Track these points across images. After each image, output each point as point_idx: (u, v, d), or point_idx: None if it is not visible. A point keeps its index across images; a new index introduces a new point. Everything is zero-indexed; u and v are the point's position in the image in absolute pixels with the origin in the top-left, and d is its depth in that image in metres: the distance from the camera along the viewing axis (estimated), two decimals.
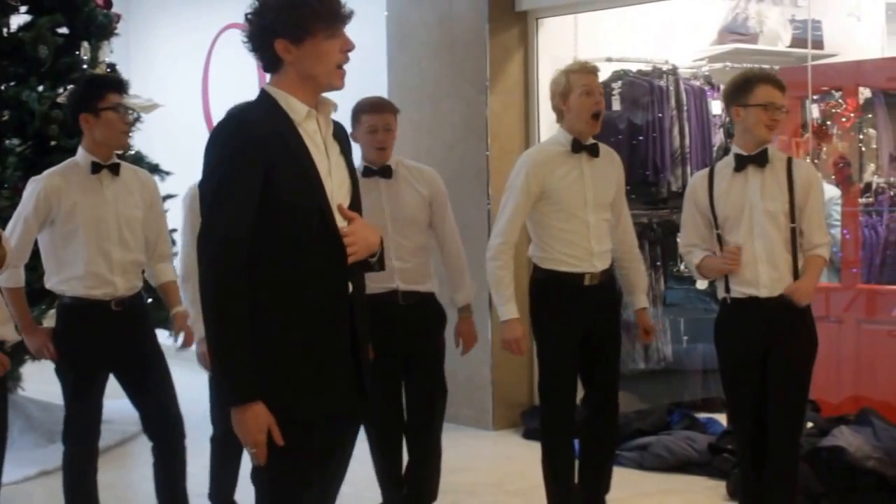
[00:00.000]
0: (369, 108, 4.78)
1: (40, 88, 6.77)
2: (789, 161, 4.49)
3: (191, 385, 5.62)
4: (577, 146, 4.82)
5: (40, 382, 6.80)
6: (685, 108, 7.40)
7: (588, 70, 4.86)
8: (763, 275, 4.42)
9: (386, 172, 4.81)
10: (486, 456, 6.76)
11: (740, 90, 4.46)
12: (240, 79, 9.16)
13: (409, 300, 4.80)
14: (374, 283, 4.51)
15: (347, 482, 3.48)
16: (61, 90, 6.77)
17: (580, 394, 4.99)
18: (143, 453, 4.82)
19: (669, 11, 7.46)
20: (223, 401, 2.97)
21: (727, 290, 4.52)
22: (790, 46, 8.02)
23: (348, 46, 3.03)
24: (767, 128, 4.41)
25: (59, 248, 4.59)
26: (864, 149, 7.30)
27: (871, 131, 7.32)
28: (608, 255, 4.91)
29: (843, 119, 7.20)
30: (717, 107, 7.44)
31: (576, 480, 5.00)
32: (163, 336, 4.96)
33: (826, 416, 6.11)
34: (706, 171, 4.64)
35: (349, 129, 3.72)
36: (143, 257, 4.75)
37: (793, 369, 4.45)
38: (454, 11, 7.32)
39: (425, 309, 4.89)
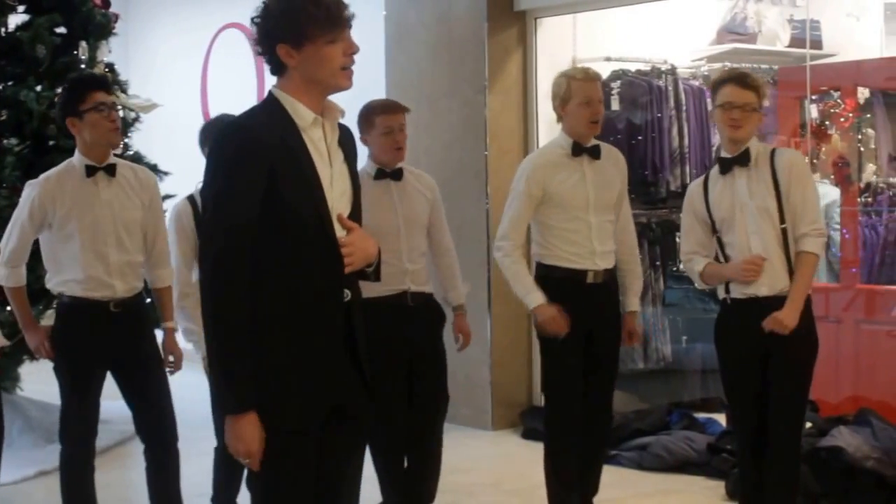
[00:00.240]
0: (383, 110, 4.80)
1: (38, 88, 6.76)
2: (773, 154, 4.48)
3: (190, 385, 5.60)
4: (578, 149, 4.85)
5: (39, 382, 6.79)
6: (684, 107, 7.40)
7: (589, 78, 4.87)
8: (763, 275, 4.41)
9: (397, 175, 4.83)
10: (485, 456, 6.76)
11: (712, 93, 4.52)
12: (238, 78, 9.18)
13: (416, 301, 4.83)
14: (385, 286, 4.52)
15: None
16: (59, 90, 6.75)
17: None
18: (141, 453, 4.80)
19: (668, 11, 7.46)
20: (220, 408, 2.94)
21: (727, 290, 4.52)
22: (789, 46, 8.02)
23: (352, 49, 3.00)
24: (730, 127, 4.41)
25: (57, 251, 4.59)
26: (862, 149, 7.30)
27: (870, 131, 7.32)
28: (612, 254, 4.93)
29: (842, 119, 7.20)
30: None
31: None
32: (162, 336, 4.94)
33: (825, 416, 6.10)
34: (701, 179, 4.66)
35: (356, 133, 3.70)
36: (142, 258, 4.73)
37: (793, 370, 4.44)
38: (453, 11, 7.32)
39: (430, 309, 4.93)
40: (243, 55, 9.02)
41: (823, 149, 7.23)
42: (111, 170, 4.61)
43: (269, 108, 3.03)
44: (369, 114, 4.79)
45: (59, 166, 4.64)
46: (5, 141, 6.63)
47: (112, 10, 7.35)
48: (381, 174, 4.80)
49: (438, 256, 5.03)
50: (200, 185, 3.55)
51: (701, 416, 6.79)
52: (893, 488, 5.36)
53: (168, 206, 5.16)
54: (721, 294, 4.58)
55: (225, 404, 2.94)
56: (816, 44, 7.73)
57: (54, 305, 4.75)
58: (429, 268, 5.00)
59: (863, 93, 7.25)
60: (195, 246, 4.60)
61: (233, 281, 2.89)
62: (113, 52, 7.39)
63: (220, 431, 4.99)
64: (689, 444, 6.25)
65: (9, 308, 4.91)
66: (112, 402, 5.01)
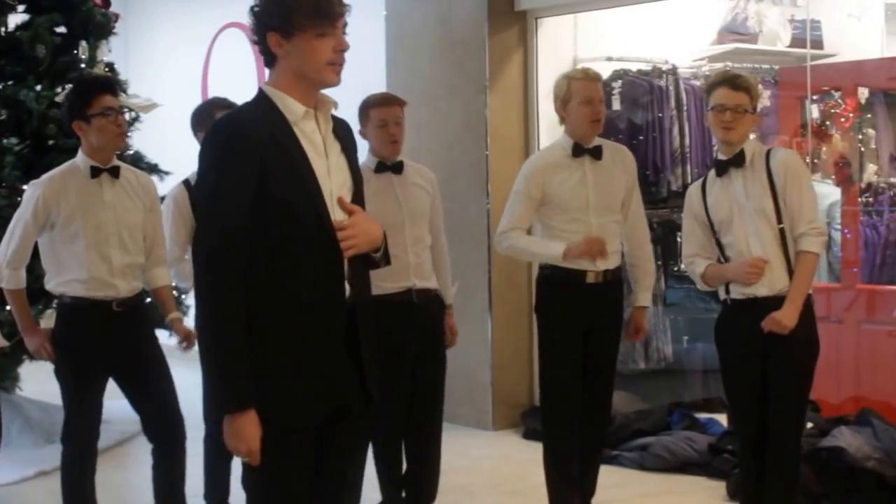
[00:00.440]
0: (377, 103, 4.81)
1: (38, 88, 6.76)
2: (768, 154, 4.47)
3: (192, 385, 5.59)
4: (579, 150, 4.86)
5: (39, 382, 6.79)
6: (685, 107, 7.40)
7: (589, 78, 4.88)
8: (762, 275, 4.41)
9: (398, 168, 4.84)
10: (486, 456, 6.75)
11: (708, 90, 4.52)
12: (239, 78, 9.16)
13: (421, 298, 4.83)
14: (391, 283, 4.53)
15: None
16: (59, 90, 6.76)
17: None
18: (141, 454, 4.80)
19: (669, 11, 7.45)
20: (215, 407, 2.92)
21: (727, 291, 4.52)
22: (790, 46, 8.01)
23: (341, 46, 2.99)
24: (722, 129, 4.41)
25: (59, 252, 4.58)
26: (863, 149, 7.29)
27: (871, 131, 7.31)
28: (615, 256, 4.93)
29: (843, 119, 7.19)
30: None
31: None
32: (164, 336, 4.94)
33: (826, 416, 6.10)
34: (700, 181, 4.66)
35: (356, 128, 3.70)
36: (143, 259, 4.73)
37: (793, 370, 4.44)
38: (454, 11, 7.31)
39: (434, 307, 4.92)
40: (244, 54, 9.00)
41: (824, 149, 7.22)
42: (115, 172, 4.62)
43: (259, 105, 3.03)
44: (365, 107, 4.82)
45: (62, 166, 4.64)
46: (5, 140, 6.62)
47: (112, 9, 7.35)
48: (381, 167, 4.81)
49: (433, 254, 5.02)
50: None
51: (702, 416, 6.79)
52: (894, 489, 5.36)
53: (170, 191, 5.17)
54: (721, 295, 4.57)
55: (223, 403, 2.92)
56: (817, 44, 7.73)
57: (54, 305, 4.75)
58: None
59: (863, 93, 7.24)
60: (191, 229, 4.59)
61: (226, 279, 2.88)
62: (113, 51, 7.40)
63: (209, 417, 4.99)
64: (690, 444, 6.25)
65: (8, 308, 4.89)
66: (112, 402, 5.00)
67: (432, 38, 7.44)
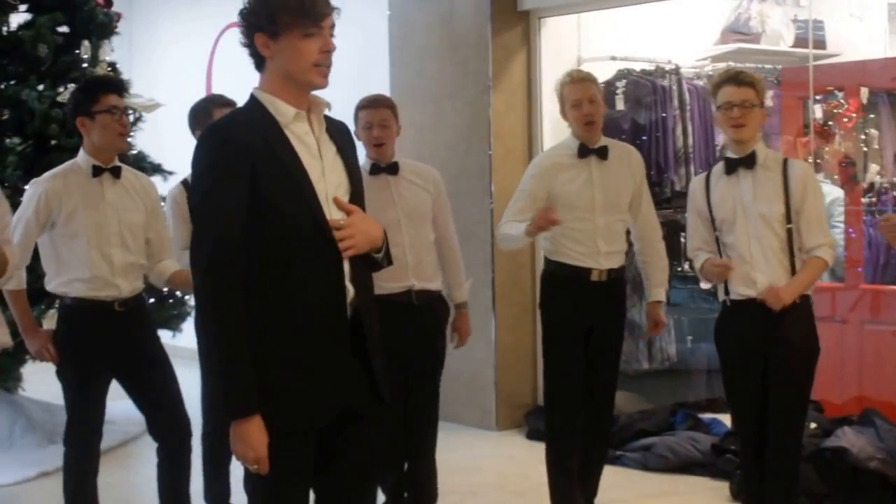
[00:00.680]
0: (364, 105, 4.83)
1: (40, 87, 6.76)
2: (785, 162, 4.47)
3: (189, 384, 5.58)
4: (584, 150, 4.90)
5: (41, 383, 6.78)
6: (688, 107, 7.40)
7: (575, 80, 4.92)
8: (759, 276, 4.40)
9: (393, 169, 4.83)
10: (490, 456, 6.74)
11: (714, 90, 4.52)
12: (243, 77, 9.13)
13: (421, 300, 4.82)
14: (390, 283, 4.52)
15: None
16: (61, 89, 6.76)
17: None
18: (145, 454, 4.79)
19: (672, 11, 7.45)
20: (218, 411, 2.91)
21: (727, 291, 4.52)
22: (793, 46, 8.01)
23: (328, 47, 2.98)
24: (732, 127, 4.41)
25: (60, 251, 4.57)
26: (866, 149, 7.28)
27: (874, 131, 7.30)
28: (619, 255, 4.96)
29: (846, 119, 7.19)
30: None
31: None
32: (166, 336, 4.93)
33: (829, 416, 6.10)
34: (703, 175, 4.66)
35: (353, 129, 3.70)
36: (143, 260, 4.72)
37: (792, 371, 4.43)
38: (456, 11, 7.31)
39: (435, 308, 4.92)
40: (248, 54, 8.99)
41: (826, 149, 7.21)
42: (116, 172, 4.62)
43: (250, 109, 3.03)
44: (356, 108, 4.84)
45: (63, 165, 4.63)
46: (7, 140, 6.62)
47: (115, 9, 7.36)
48: (375, 169, 4.81)
49: (442, 252, 5.02)
50: None
51: (706, 416, 6.78)
52: None
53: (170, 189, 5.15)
54: (721, 296, 4.57)
55: (228, 409, 2.90)
56: (820, 44, 7.72)
57: (56, 306, 4.73)
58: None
59: (866, 93, 7.23)
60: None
61: (225, 283, 2.87)
62: (116, 51, 7.39)
63: (207, 415, 4.98)
64: (693, 444, 6.24)
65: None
66: (116, 403, 4.99)
67: (436, 38, 7.44)
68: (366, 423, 3.10)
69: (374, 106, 4.80)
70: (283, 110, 2.99)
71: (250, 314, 2.89)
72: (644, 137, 7.22)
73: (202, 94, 9.78)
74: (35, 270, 4.80)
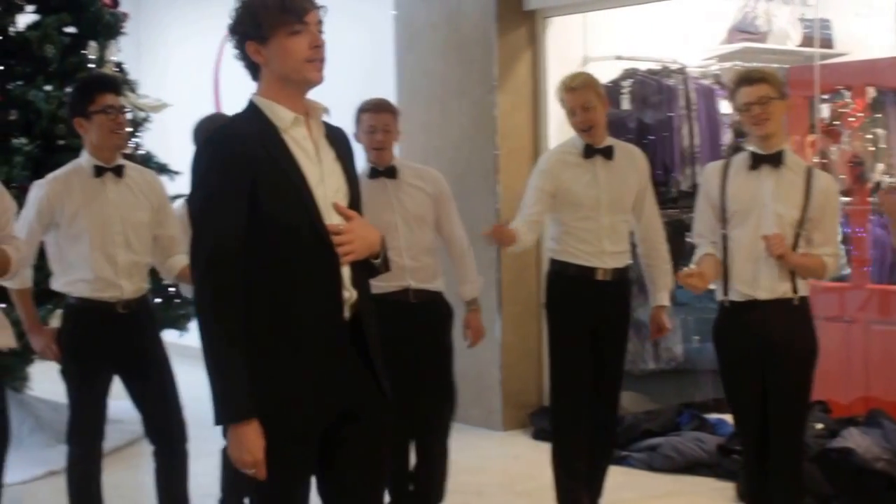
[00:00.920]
0: (367, 108, 4.82)
1: (47, 88, 6.76)
2: (809, 171, 4.46)
3: (197, 384, 5.59)
4: (590, 151, 4.90)
5: (49, 382, 6.77)
6: (694, 107, 7.39)
7: (568, 88, 4.93)
8: (763, 276, 4.39)
9: (391, 173, 4.84)
10: (495, 456, 6.75)
11: (732, 95, 4.52)
12: (250, 78, 9.16)
13: (419, 298, 4.83)
14: (386, 282, 4.52)
15: None
16: (68, 90, 6.76)
17: None
18: (150, 454, 4.80)
19: (678, 10, 7.44)
20: (220, 418, 2.92)
21: (725, 293, 4.50)
22: (799, 45, 7.99)
23: (316, 42, 2.97)
24: (756, 125, 4.40)
25: (64, 251, 4.58)
26: (872, 148, 7.27)
27: (881, 131, 7.29)
28: (624, 255, 4.97)
29: (852, 118, 7.17)
30: (726, 106, 7.42)
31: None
32: (173, 336, 4.93)
33: (835, 417, 6.09)
34: (721, 162, 4.62)
35: (353, 131, 3.70)
36: (149, 259, 4.73)
37: (792, 372, 4.42)
38: (462, 11, 7.31)
39: (435, 307, 4.92)
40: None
41: (833, 148, 7.20)
42: (119, 171, 4.62)
43: (248, 116, 3.02)
44: (358, 110, 4.83)
45: (65, 166, 4.64)
46: (14, 140, 6.63)
47: (122, 9, 7.36)
48: (374, 173, 4.83)
49: (450, 252, 5.04)
50: None
51: (711, 416, 6.77)
52: None
53: (177, 205, 5.15)
54: (719, 297, 4.55)
55: (225, 414, 2.90)
56: (827, 43, 7.71)
57: (62, 305, 4.75)
58: (446, 265, 5.00)
59: (873, 92, 7.22)
60: None
61: (224, 288, 2.87)
62: (124, 51, 7.40)
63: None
64: (699, 444, 6.24)
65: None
66: (122, 402, 5.00)
67: (441, 37, 7.44)
68: (368, 422, 3.09)
69: (377, 110, 4.81)
70: (281, 115, 2.99)
71: (248, 317, 2.90)
72: (650, 137, 7.21)
73: (209, 95, 9.90)
74: (43, 269, 4.82)
